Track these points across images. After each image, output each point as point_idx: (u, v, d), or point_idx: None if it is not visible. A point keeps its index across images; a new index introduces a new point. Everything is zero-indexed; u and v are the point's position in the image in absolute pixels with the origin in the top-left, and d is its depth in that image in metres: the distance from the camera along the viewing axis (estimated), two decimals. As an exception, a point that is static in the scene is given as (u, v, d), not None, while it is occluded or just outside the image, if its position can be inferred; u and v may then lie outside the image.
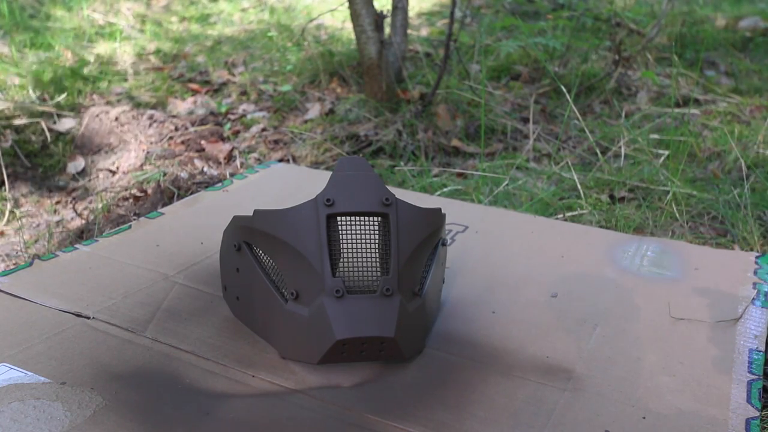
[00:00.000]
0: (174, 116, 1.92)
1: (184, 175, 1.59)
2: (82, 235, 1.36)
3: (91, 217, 1.43)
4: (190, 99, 2.07)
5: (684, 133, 1.54)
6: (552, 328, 0.79)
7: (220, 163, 1.68)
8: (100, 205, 1.47)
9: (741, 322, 0.81)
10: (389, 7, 1.84)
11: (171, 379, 0.68)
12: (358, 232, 0.70)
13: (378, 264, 0.71)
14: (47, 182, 1.62)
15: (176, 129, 1.85)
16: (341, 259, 0.71)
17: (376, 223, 0.71)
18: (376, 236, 0.71)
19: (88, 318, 0.78)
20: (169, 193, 1.50)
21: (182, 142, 1.78)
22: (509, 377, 0.70)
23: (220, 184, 1.18)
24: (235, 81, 2.21)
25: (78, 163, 1.70)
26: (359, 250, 0.70)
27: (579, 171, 1.43)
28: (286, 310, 0.70)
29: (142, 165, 1.68)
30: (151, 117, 1.88)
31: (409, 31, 1.96)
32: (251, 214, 0.73)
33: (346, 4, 1.77)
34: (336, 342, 0.66)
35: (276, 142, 1.79)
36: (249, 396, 0.66)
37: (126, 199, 1.52)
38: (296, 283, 0.69)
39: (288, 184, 1.18)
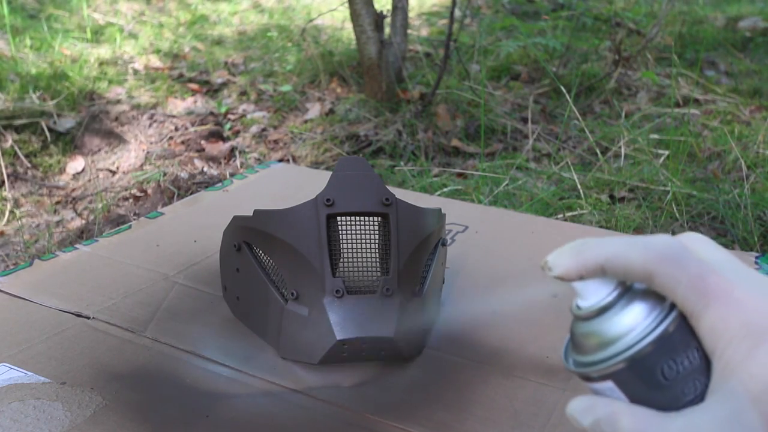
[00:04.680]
0: (174, 116, 1.92)
1: (184, 175, 1.59)
2: (82, 235, 1.36)
3: (91, 217, 1.43)
4: (190, 99, 2.07)
5: (684, 133, 1.54)
6: (552, 328, 0.79)
7: (220, 163, 1.68)
8: (100, 205, 1.47)
9: (741, 322, 0.81)
10: (389, 7, 1.85)
11: (171, 379, 0.68)
12: (358, 232, 0.70)
13: (378, 264, 0.71)
14: (47, 182, 1.62)
15: (176, 129, 1.85)
16: (341, 259, 0.71)
17: (376, 223, 0.71)
18: (376, 236, 0.71)
19: (88, 318, 0.78)
20: (169, 193, 1.50)
21: (182, 142, 1.78)
22: (509, 377, 0.70)
23: (220, 184, 1.18)
24: (235, 81, 2.21)
25: (78, 163, 1.70)
26: (359, 250, 0.70)
27: (579, 171, 1.43)
28: (286, 310, 0.70)
29: (142, 165, 1.68)
30: (151, 117, 1.88)
31: (409, 31, 1.96)
32: (251, 214, 0.73)
33: (346, 4, 1.77)
34: (336, 342, 0.66)
35: (276, 142, 1.79)
36: (249, 396, 0.66)
37: (126, 199, 1.52)
38: (296, 283, 0.69)
39: (288, 184, 1.18)
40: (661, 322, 0.34)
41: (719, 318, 0.32)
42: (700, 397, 0.34)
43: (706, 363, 0.34)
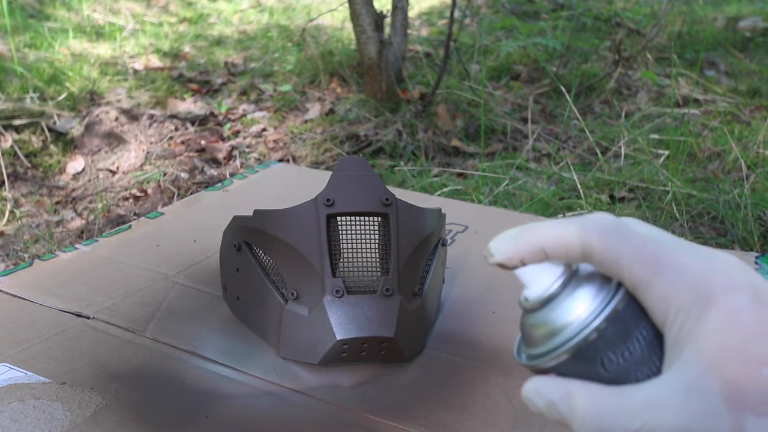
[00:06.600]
0: (174, 116, 1.92)
1: (184, 175, 1.59)
2: (82, 235, 1.36)
3: (91, 217, 1.43)
4: (190, 99, 2.07)
5: (684, 133, 1.54)
6: (552, 328, 0.79)
7: (220, 163, 1.68)
8: (100, 205, 1.47)
9: (741, 322, 0.81)
10: (389, 7, 1.85)
11: (171, 379, 0.68)
12: (358, 232, 0.70)
13: (378, 264, 0.71)
14: (47, 182, 1.62)
15: (176, 129, 1.85)
16: (341, 259, 0.71)
17: (376, 223, 0.71)
18: (376, 236, 0.71)
19: (88, 318, 0.78)
20: (169, 193, 1.50)
21: (182, 142, 1.78)
22: (509, 377, 0.70)
23: (220, 184, 1.18)
24: (235, 81, 2.21)
25: (78, 163, 1.70)
26: (359, 250, 0.70)
27: (579, 171, 1.43)
28: (286, 310, 0.70)
29: (142, 165, 1.68)
30: (151, 117, 1.88)
31: (409, 31, 1.96)
32: (251, 214, 0.73)
33: (346, 4, 1.77)
34: (336, 342, 0.66)
35: (276, 142, 1.79)
36: (249, 396, 0.66)
37: (126, 199, 1.52)
38: (296, 283, 0.69)
39: (288, 184, 1.18)
40: (609, 302, 0.33)
41: (667, 285, 0.31)
42: (656, 372, 0.32)
43: (659, 338, 0.33)
